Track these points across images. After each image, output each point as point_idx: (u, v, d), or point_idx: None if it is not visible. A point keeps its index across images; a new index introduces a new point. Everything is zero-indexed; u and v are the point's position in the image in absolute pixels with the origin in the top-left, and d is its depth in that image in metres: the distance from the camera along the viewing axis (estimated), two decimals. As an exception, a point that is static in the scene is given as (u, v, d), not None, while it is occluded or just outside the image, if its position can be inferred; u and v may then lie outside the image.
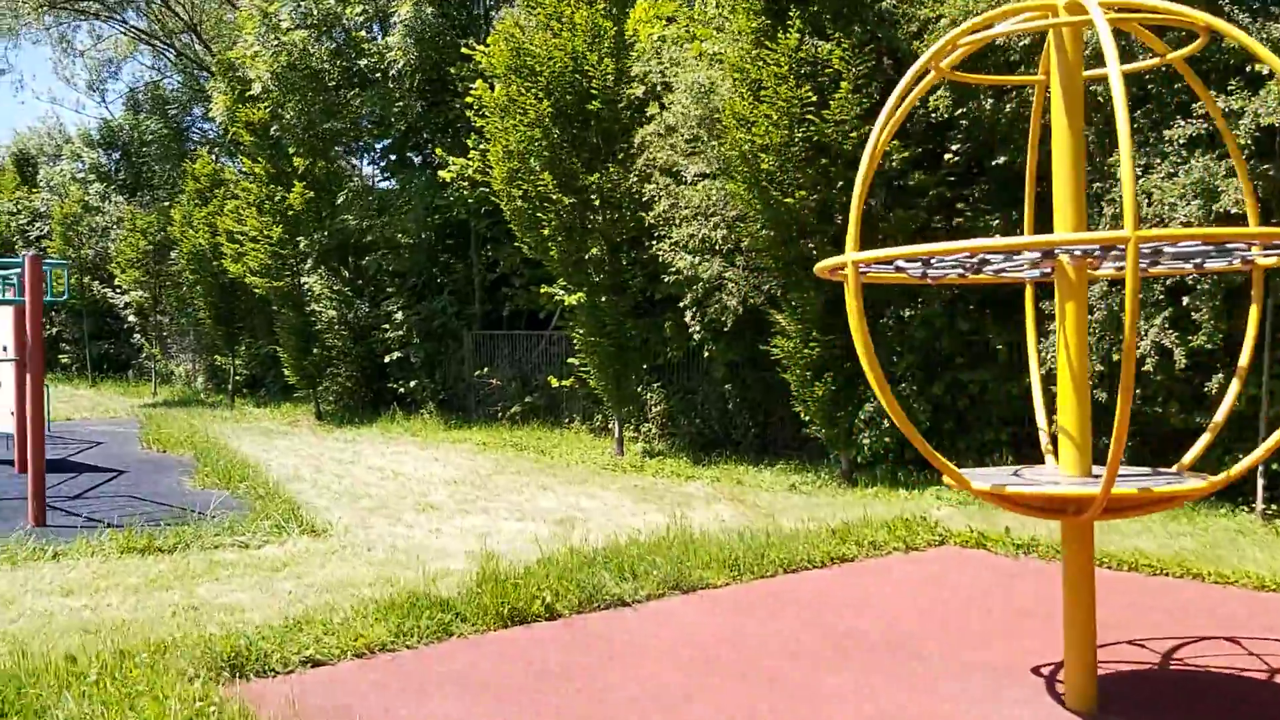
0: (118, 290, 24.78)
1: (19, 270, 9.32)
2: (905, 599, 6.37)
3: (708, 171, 12.07)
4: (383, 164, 19.74)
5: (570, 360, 15.47)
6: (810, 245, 10.77)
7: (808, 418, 11.21)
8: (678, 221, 12.21)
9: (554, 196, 12.90)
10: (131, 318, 26.16)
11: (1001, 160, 10.41)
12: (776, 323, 11.17)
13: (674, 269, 12.41)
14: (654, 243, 12.84)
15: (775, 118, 10.47)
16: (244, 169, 18.34)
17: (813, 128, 10.43)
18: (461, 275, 18.53)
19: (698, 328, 12.65)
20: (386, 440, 16.14)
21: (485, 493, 11.02)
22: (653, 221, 12.56)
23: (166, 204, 23.18)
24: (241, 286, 21.02)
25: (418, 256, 18.39)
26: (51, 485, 10.81)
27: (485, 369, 17.27)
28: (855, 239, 4.33)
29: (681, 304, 12.49)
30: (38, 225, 27.18)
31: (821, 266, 4.62)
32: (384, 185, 19.59)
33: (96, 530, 8.42)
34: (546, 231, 13.15)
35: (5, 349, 12.63)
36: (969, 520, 8.48)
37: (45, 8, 26.79)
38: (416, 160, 18.97)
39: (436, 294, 18.57)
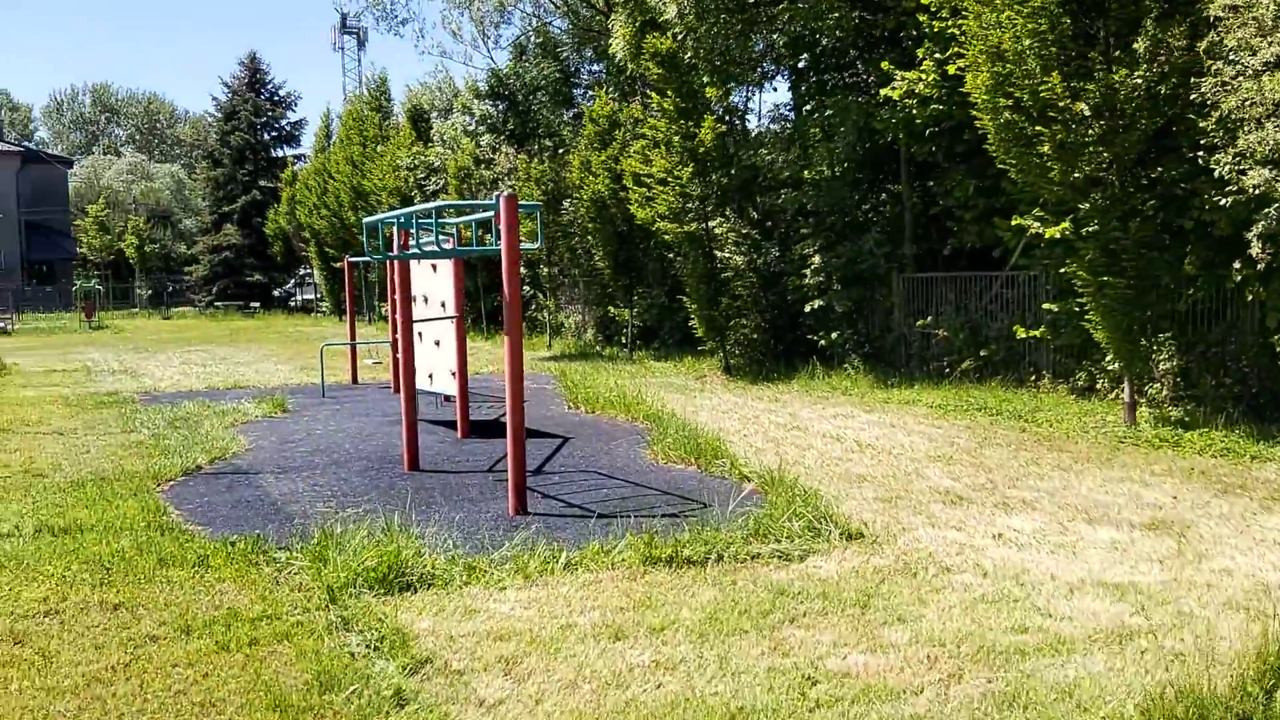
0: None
1: (486, 213, 8.10)
2: None
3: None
4: (802, 88, 17.73)
5: (1047, 306, 12.90)
6: None
7: None
8: (1247, 125, 9.33)
9: (1061, 103, 10.35)
10: (522, 269, 25.99)
11: None
12: None
13: (1235, 187, 9.56)
14: (1198, 154, 10.03)
15: None
16: (653, 105, 16.96)
17: None
18: (890, 211, 16.30)
19: (1263, 263, 9.74)
20: (816, 400, 14.31)
21: (996, 475, 8.85)
22: (1210, 127, 9.74)
23: (560, 151, 22.53)
24: (640, 234, 19.91)
25: (839, 192, 16.33)
26: (501, 455, 9.78)
27: (927, 318, 14.99)
28: None
29: (1252, 232, 9.62)
30: (433, 179, 27.68)
31: None
32: (799, 113, 17.58)
33: (589, 523, 7.03)
34: (1046, 148, 10.63)
35: (444, 305, 11.82)
36: None
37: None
38: (835, 82, 16.83)
39: (859, 233, 16.45)
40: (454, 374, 11.54)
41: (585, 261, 23.09)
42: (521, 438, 7.48)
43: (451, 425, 12.20)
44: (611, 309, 22.62)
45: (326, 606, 5.13)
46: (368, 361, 19.99)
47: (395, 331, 16.20)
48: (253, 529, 7.11)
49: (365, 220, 8.81)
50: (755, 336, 17.93)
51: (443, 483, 8.80)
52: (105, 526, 6.99)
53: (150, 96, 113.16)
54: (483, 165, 26.65)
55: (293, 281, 49.71)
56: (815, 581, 5.53)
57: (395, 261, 12.67)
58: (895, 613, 4.99)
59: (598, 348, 23.38)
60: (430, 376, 12.71)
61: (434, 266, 11.82)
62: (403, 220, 8.61)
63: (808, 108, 17.07)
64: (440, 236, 10.18)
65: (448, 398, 13.55)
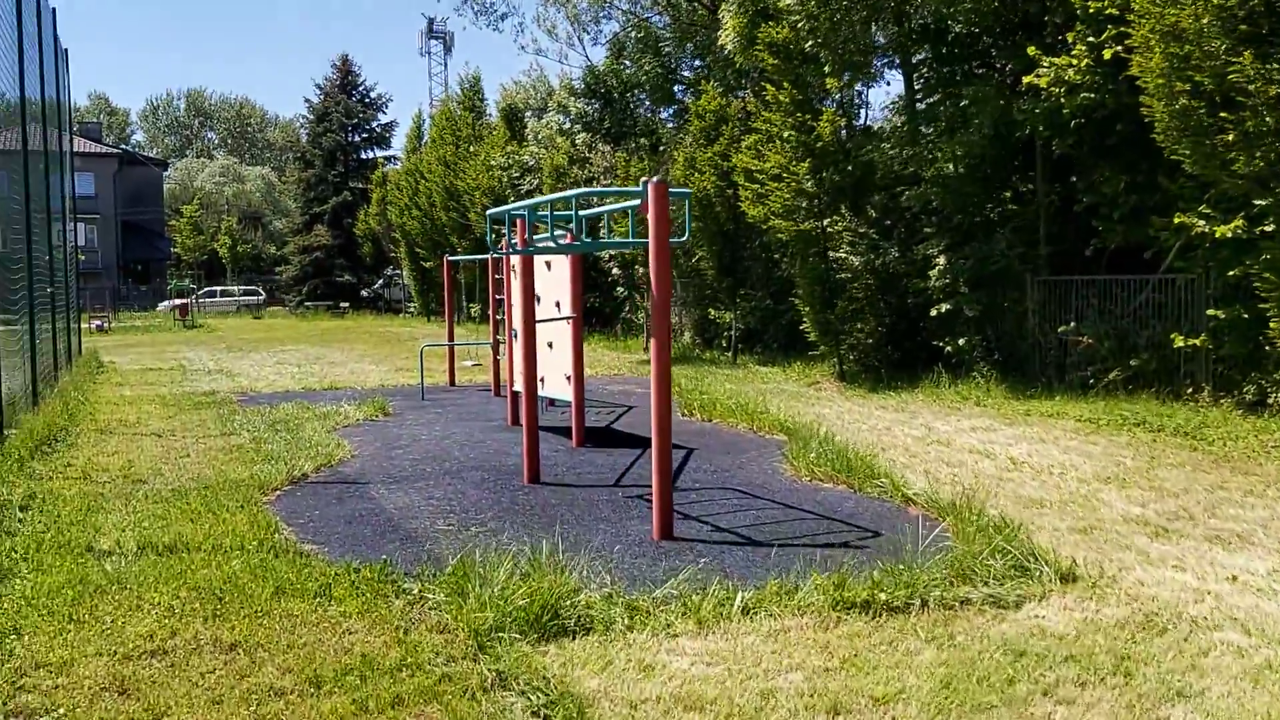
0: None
1: (627, 202, 7.32)
2: None
3: None
4: (919, 81, 16.71)
5: (1212, 312, 11.75)
6: None
7: None
8: None
9: (1252, 86, 9.26)
10: (615, 270, 25.30)
11: None
12: None
13: None
14: None
15: None
16: (767, 97, 16.08)
17: None
18: (1023, 210, 15.20)
19: None
20: (947, 411, 13.29)
21: (1186, 502, 7.82)
22: None
23: (661, 149, 21.76)
24: (745, 233, 19.04)
25: (967, 188, 15.27)
26: (624, 466, 9.00)
27: (1069, 323, 13.87)
28: None
29: None
30: (528, 179, 27.12)
31: None
32: (912, 108, 16.54)
33: (745, 551, 6.20)
34: (1230, 136, 9.55)
35: (558, 305, 11.10)
36: None
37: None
38: (962, 72, 15.77)
39: (988, 233, 15.38)
40: (568, 378, 10.80)
41: (684, 261, 22.26)
42: (668, 454, 6.68)
43: (562, 432, 11.48)
44: (712, 311, 21.78)
45: (475, 655, 4.37)
46: (466, 363, 19.42)
47: (496, 332, 15.58)
48: (373, 551, 6.42)
49: (490, 212, 8.10)
50: (870, 341, 16.94)
51: (568, 498, 8.04)
52: (213, 545, 6.34)
53: (242, 101, 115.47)
54: (577, 164, 26.01)
55: (380, 282, 49.73)
56: (1051, 638, 4.61)
57: (514, 258, 12.02)
58: (1168, 684, 4.06)
59: (697, 351, 22.54)
60: (541, 380, 12.02)
61: (548, 264, 11.10)
62: (533, 211, 7.87)
63: (931, 99, 16.04)
64: (556, 232, 9.45)
65: (552, 402, 12.85)
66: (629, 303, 24.99)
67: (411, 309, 43.88)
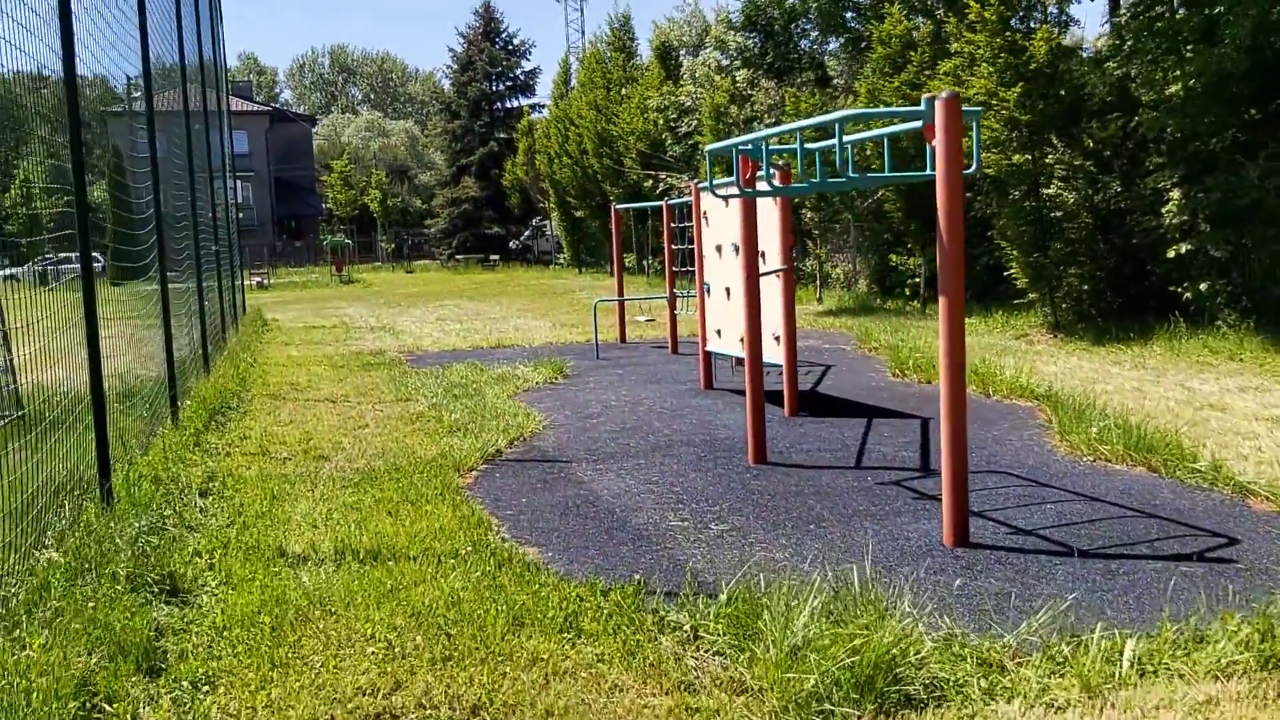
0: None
1: (904, 124, 6.01)
2: None
3: None
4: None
5: None
6: None
7: None
8: None
9: None
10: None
11: None
12: None
13: None
14: None
15: None
16: (970, 16, 14.35)
17: None
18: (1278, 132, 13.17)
19: None
20: (1198, 367, 11.57)
21: None
22: None
23: (836, 82, 20.14)
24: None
25: (1213, 110, 13.30)
26: (855, 441, 7.73)
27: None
28: None
29: None
30: (685, 120, 25.79)
31: None
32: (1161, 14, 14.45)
33: (1076, 565, 4.90)
34: None
35: (764, 256, 9.84)
36: None
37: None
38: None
39: (1234, 162, 13.40)
40: (776, 338, 9.57)
41: (859, 203, 20.64)
42: (963, 440, 5.41)
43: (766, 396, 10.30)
44: (893, 257, 20.15)
45: (800, 738, 3.24)
46: (639, 319, 18.37)
47: (673, 286, 14.43)
48: (605, 557, 5.37)
49: (710, 147, 6.88)
50: (1087, 288, 15.15)
51: (808, 484, 6.85)
52: (422, 550, 5.39)
53: (384, 55, 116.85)
54: (738, 103, 24.51)
55: (527, 233, 49.20)
56: None
57: (706, 202, 10.80)
58: None
59: (876, 300, 20.98)
60: (719, 332, 10.87)
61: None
62: (760, 145, 6.62)
63: (1161, 9, 13.98)
64: (769, 170, 8.17)
65: (739, 361, 11.68)
66: (795, 249, 23.49)
67: (561, 260, 43.22)
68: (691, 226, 15.04)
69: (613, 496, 6.69)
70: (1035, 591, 4.64)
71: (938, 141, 5.21)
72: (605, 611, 4.36)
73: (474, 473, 7.49)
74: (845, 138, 5.56)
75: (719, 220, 10.54)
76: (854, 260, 22.87)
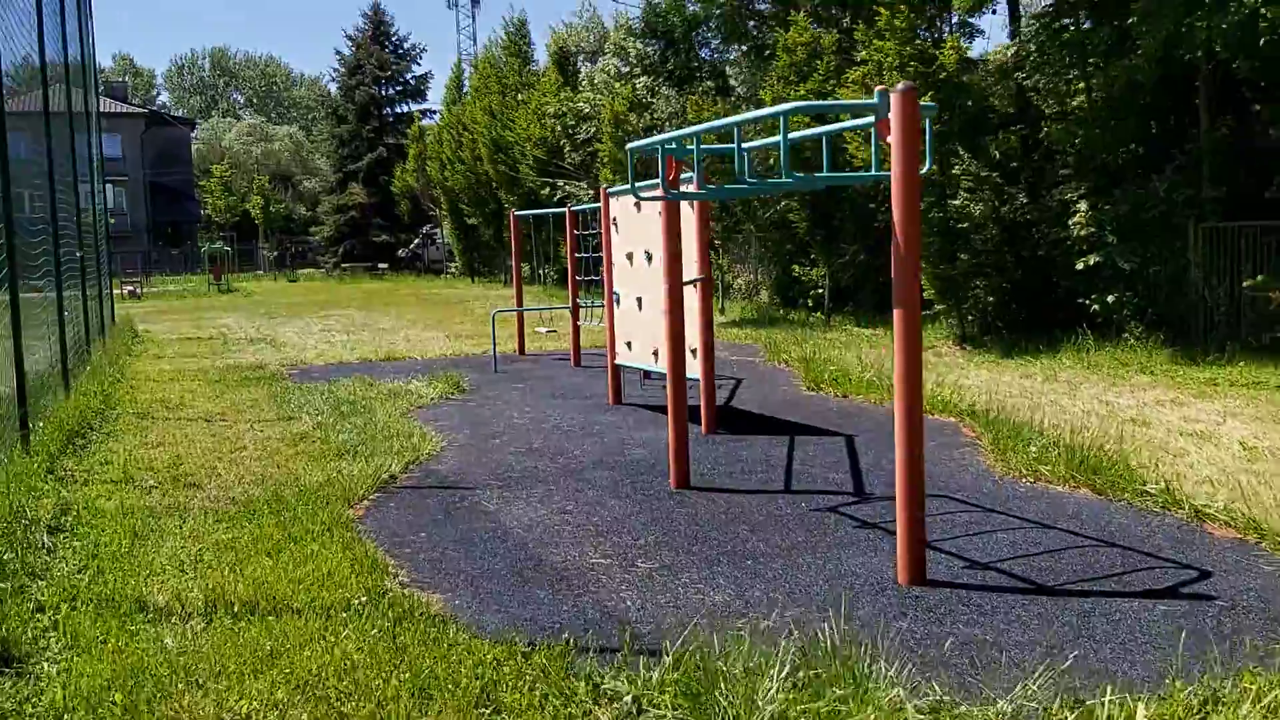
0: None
1: (854, 121, 5.50)
2: None
3: None
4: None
5: None
6: None
7: None
8: None
9: None
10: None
11: None
12: None
13: None
14: None
15: None
16: (880, 24, 14.08)
17: None
18: (1184, 146, 13.21)
19: None
20: (1111, 381, 11.43)
21: None
22: None
23: (740, 92, 19.76)
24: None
25: (1122, 122, 13.27)
26: (779, 461, 7.18)
27: (1259, 276, 11.92)
28: None
29: None
30: (584, 127, 25.17)
31: None
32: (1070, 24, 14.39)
33: (1049, 606, 4.43)
34: None
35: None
36: None
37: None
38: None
39: (1142, 175, 13.40)
40: (694, 351, 9.02)
41: (761, 212, 20.30)
42: (920, 467, 4.92)
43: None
44: (796, 268, 19.85)
45: None
46: (540, 330, 17.67)
47: (575, 296, 13.81)
48: (522, 605, 4.70)
49: (632, 145, 6.28)
50: (992, 299, 15.02)
51: (738, 511, 6.29)
52: (309, 599, 4.65)
53: (267, 59, 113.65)
54: (638, 111, 24.00)
55: (417, 241, 47.89)
56: None
57: (615, 208, 10.21)
58: None
59: (779, 311, 20.67)
60: (629, 345, 10.31)
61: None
62: (685, 144, 6.05)
63: (1066, 21, 13.93)
64: (684, 174, 7.64)
65: (648, 374, 11.13)
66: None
67: (453, 269, 42.14)
68: (596, 234, 14.51)
69: (523, 529, 6.03)
70: (1009, 638, 4.14)
71: (893, 138, 4.70)
72: (528, 679, 3.70)
73: (365, 502, 6.73)
74: (823, 128, 5.01)
75: (630, 227, 9.97)
76: (755, 271, 22.58)
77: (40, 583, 5.08)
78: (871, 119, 4.95)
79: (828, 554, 5.38)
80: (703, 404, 8.91)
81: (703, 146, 5.79)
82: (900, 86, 4.67)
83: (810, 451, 8.00)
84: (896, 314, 4.83)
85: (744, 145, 5.64)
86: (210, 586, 4.91)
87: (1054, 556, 5.22)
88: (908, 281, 4.79)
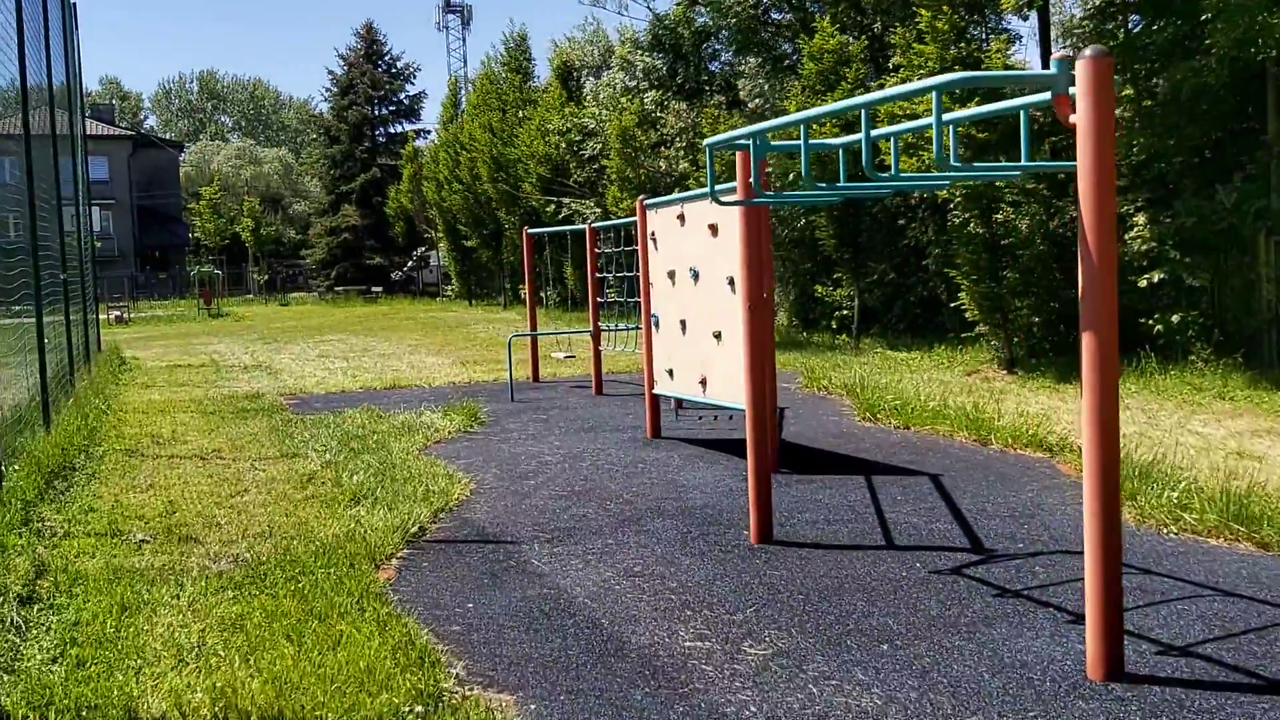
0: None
1: (1016, 100, 4.54)
2: None
3: None
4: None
5: None
6: None
7: None
8: None
9: None
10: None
11: None
12: None
13: None
14: None
15: None
16: (920, 25, 13.20)
17: None
18: (1253, 152, 12.33)
19: None
20: (1188, 407, 10.48)
21: None
22: None
23: (745, 104, 18.88)
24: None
25: (1183, 130, 12.38)
26: (862, 506, 6.15)
27: (1348, 295, 11.00)
28: None
29: None
30: (589, 143, 24.26)
31: None
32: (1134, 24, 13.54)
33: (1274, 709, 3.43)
34: None
35: (731, 284, 8.31)
36: None
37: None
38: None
39: (1208, 185, 12.51)
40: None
41: (781, 230, 19.38)
42: (1118, 539, 3.91)
43: (718, 446, 8.82)
44: (819, 288, 18.92)
45: None
46: (556, 355, 16.66)
47: (597, 318, 12.85)
48: (614, 709, 3.69)
49: (709, 141, 5.30)
50: (1038, 319, 14.08)
51: (843, 574, 5.28)
52: (345, 707, 3.63)
53: (255, 82, 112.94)
54: (645, 126, 23.11)
55: (411, 263, 46.88)
56: None
57: (653, 224, 9.23)
58: None
59: (799, 334, 19.72)
60: (670, 373, 9.32)
61: (712, 227, 8.30)
62: (806, 130, 5.07)
63: (1113, 25, 13.08)
64: (716, 188, 6.72)
65: (681, 403, 10.15)
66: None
67: (450, 291, 41.14)
68: (619, 252, 13.55)
69: (589, 598, 5.01)
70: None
71: (1079, 116, 3.74)
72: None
73: (395, 561, 5.72)
74: (969, 112, 4.03)
75: (671, 242, 9.00)
76: (777, 292, 21.63)
77: (7, 680, 4.06)
78: (1046, 95, 3.98)
79: (976, 634, 4.38)
80: (770, 440, 7.90)
81: (812, 142, 4.79)
82: (1089, 52, 3.70)
83: (895, 495, 7.01)
84: (1086, 340, 3.87)
85: (883, 131, 4.66)
86: (218, 687, 3.88)
87: (1263, 637, 4.24)
88: (1102, 304, 3.83)
